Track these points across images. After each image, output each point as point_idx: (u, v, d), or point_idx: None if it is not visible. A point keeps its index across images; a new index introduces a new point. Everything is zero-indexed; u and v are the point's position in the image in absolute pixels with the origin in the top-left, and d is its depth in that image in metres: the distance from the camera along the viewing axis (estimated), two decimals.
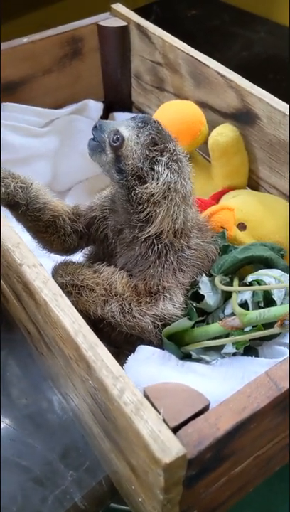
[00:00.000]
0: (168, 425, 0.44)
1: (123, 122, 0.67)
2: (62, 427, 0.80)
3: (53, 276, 0.68)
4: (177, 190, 0.64)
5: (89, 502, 0.73)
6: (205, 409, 0.46)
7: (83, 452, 0.77)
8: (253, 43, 1.59)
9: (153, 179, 0.63)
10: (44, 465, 0.76)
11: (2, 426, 0.81)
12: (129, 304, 0.65)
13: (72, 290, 0.66)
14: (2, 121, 0.96)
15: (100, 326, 0.68)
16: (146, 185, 0.64)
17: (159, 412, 0.45)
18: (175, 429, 0.44)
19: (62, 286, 0.65)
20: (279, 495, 0.73)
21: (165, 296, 0.65)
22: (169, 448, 0.42)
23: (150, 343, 0.67)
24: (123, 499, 0.73)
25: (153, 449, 0.42)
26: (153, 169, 0.64)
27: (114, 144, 0.65)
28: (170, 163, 0.63)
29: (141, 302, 0.65)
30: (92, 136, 0.68)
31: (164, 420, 0.44)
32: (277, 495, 0.73)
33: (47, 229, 0.71)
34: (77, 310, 0.53)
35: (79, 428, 0.78)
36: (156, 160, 0.63)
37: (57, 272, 0.68)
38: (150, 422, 0.44)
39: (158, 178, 0.63)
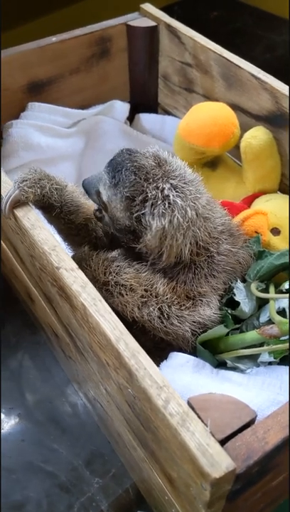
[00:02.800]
0: (215, 438, 0.43)
1: (101, 178, 0.65)
2: (87, 433, 0.79)
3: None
4: (175, 226, 0.61)
5: (115, 510, 0.72)
6: (252, 421, 0.45)
7: (109, 459, 0.76)
8: (276, 45, 1.57)
9: (146, 231, 0.62)
10: (70, 471, 0.75)
11: (24, 429, 0.80)
12: (169, 307, 0.62)
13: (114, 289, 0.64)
14: (29, 120, 0.95)
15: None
16: (141, 240, 0.63)
17: (206, 424, 0.43)
18: (221, 442, 0.43)
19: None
20: None
21: (202, 301, 0.63)
22: (218, 462, 0.40)
23: (180, 350, 0.65)
24: (150, 508, 0.71)
25: (201, 462, 0.41)
26: (141, 223, 0.62)
27: (103, 207, 0.66)
28: (155, 210, 0.61)
29: (181, 305, 0.63)
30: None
31: (211, 432, 0.43)
32: None
33: (79, 231, 0.70)
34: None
35: (105, 434, 0.77)
36: (142, 214, 0.61)
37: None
38: (197, 434, 0.42)
39: (150, 229, 0.61)
